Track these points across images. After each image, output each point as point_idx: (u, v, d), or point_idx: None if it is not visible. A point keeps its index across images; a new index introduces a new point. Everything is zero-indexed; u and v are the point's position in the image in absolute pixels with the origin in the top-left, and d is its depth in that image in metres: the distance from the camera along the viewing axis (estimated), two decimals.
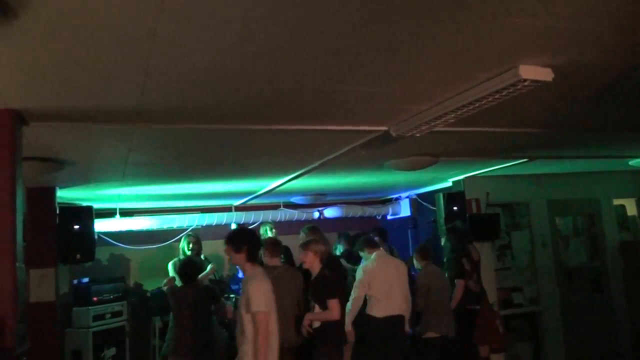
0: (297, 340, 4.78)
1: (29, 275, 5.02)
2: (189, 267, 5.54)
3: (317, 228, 5.51)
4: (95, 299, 7.21)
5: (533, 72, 2.59)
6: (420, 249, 5.98)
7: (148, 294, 8.28)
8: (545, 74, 2.62)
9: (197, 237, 7.32)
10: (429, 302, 5.47)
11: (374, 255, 5.32)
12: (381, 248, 5.61)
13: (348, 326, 4.94)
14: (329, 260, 4.82)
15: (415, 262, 5.92)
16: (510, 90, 2.75)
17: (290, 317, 4.76)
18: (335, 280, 4.67)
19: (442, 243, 6.26)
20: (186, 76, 2.44)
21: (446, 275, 5.93)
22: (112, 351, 7.34)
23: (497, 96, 2.84)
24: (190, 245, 7.12)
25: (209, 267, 6.85)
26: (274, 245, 5.12)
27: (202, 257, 7.18)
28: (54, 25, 1.87)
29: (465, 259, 5.98)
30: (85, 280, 7.41)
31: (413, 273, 7.36)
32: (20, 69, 2.28)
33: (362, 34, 2.11)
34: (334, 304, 4.51)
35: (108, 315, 7.36)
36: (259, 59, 2.30)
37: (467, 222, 6.64)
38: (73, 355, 6.94)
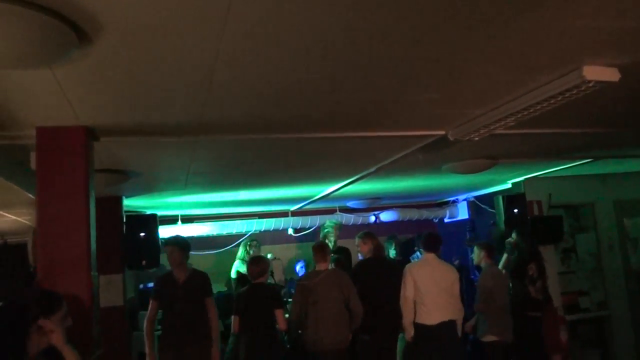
0: (339, 343, 4.84)
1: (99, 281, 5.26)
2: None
3: (372, 234, 5.53)
4: None
5: (598, 72, 2.50)
6: (487, 245, 5.77)
7: None
8: (611, 74, 2.54)
9: (258, 242, 7.51)
10: (491, 305, 5.35)
11: (422, 256, 5.30)
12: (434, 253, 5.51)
13: (407, 327, 4.97)
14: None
15: (477, 258, 5.76)
16: (574, 92, 2.67)
17: (332, 320, 4.82)
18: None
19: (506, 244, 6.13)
20: (247, 91, 2.52)
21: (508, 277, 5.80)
22: None
23: (559, 98, 2.77)
24: (252, 251, 7.26)
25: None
26: (320, 249, 5.18)
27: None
28: (124, 48, 1.97)
29: (534, 263, 5.81)
30: (151, 285, 7.68)
31: (473, 277, 7.25)
32: (92, 89, 2.41)
33: (425, 44, 2.11)
34: None
35: None
36: (320, 73, 2.34)
37: (528, 224, 6.47)
38: (139, 358, 7.20)
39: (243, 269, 6.89)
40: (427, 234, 5.58)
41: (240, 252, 7.44)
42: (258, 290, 5.08)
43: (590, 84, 2.56)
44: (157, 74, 2.21)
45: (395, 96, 2.83)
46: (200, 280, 4.87)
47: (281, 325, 5.01)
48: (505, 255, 6.17)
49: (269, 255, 7.28)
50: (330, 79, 2.47)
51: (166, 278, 4.90)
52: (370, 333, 5.05)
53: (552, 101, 2.82)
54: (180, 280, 4.79)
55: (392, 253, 7.04)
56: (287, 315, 5.28)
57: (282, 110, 2.93)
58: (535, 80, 2.67)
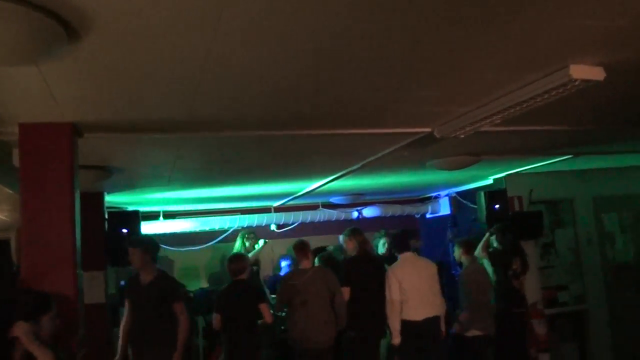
0: (326, 341, 4.86)
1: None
2: None
3: (358, 230, 5.53)
4: None
5: (584, 71, 2.54)
6: (466, 242, 5.83)
7: (191, 295, 8.44)
8: (596, 73, 2.57)
9: (254, 234, 7.65)
10: (473, 300, 5.42)
11: (400, 258, 5.32)
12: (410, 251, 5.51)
13: (395, 332, 4.99)
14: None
15: (457, 255, 5.82)
16: (560, 90, 2.71)
17: (322, 319, 4.84)
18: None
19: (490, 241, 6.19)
20: (238, 89, 2.50)
21: (490, 273, 5.86)
22: None
23: (546, 96, 2.80)
24: (249, 243, 7.43)
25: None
26: (301, 247, 5.18)
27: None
28: (113, 46, 1.94)
29: (518, 258, 5.87)
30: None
31: (454, 272, 7.32)
32: (79, 85, 2.37)
33: (416, 42, 2.12)
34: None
35: None
36: (309, 72, 2.34)
37: (509, 220, 6.55)
38: None
39: None
40: (395, 236, 5.58)
41: (238, 244, 7.49)
42: (239, 287, 5.07)
43: (577, 83, 2.60)
44: (146, 72, 2.18)
45: (384, 94, 2.84)
46: (165, 284, 4.61)
47: (267, 318, 5.01)
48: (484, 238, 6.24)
49: (260, 242, 7.38)
50: (320, 78, 2.47)
51: (134, 279, 4.73)
52: (356, 329, 5.07)
53: (538, 99, 2.85)
54: (145, 282, 4.58)
55: (380, 249, 7.07)
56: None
57: (269, 108, 2.91)
58: (523, 78, 2.70)
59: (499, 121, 3.29)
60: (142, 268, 4.59)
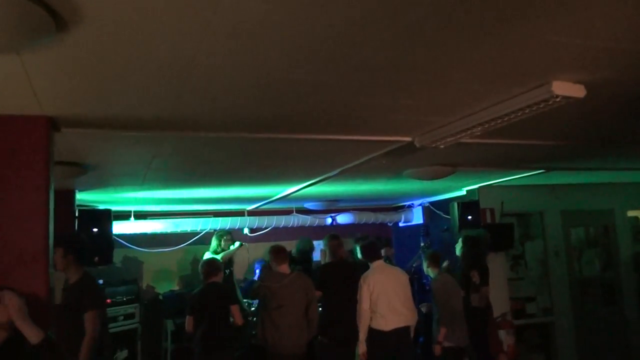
0: (299, 347, 4.85)
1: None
2: None
3: (337, 236, 5.55)
4: (108, 301, 7.26)
5: (566, 88, 2.60)
6: (432, 255, 5.84)
7: (160, 297, 8.32)
8: (577, 91, 2.63)
9: (231, 235, 7.65)
10: (445, 311, 5.46)
11: (371, 266, 5.33)
12: (381, 259, 5.54)
13: (362, 342, 4.99)
14: None
15: (425, 267, 5.87)
16: (541, 106, 2.76)
17: (296, 325, 4.83)
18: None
19: (457, 252, 6.23)
20: (223, 89, 2.47)
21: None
22: (125, 353, 7.38)
23: (527, 111, 2.85)
24: (223, 244, 7.41)
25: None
26: (278, 251, 5.14)
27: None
28: (101, 39, 1.89)
29: (476, 271, 5.88)
30: (99, 282, 7.44)
31: (425, 281, 7.38)
32: (61, 78, 2.30)
33: (397, 50, 2.13)
34: None
35: (121, 318, 7.41)
36: (296, 74, 2.33)
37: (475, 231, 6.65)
38: None
39: None
40: (364, 246, 5.57)
41: (213, 244, 7.44)
42: (212, 289, 5.06)
43: (558, 99, 2.66)
44: (134, 66, 2.14)
45: (367, 100, 2.84)
46: (80, 289, 4.10)
47: (237, 320, 4.99)
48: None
49: (236, 244, 7.40)
50: (306, 83, 2.46)
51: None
52: (329, 336, 5.06)
53: (519, 113, 2.90)
54: (68, 285, 4.20)
55: (359, 254, 7.06)
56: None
57: (252, 110, 2.88)
58: (506, 92, 2.74)
59: (479, 133, 3.33)
60: (65, 269, 4.16)
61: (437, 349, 5.39)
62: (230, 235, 7.67)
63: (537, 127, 3.63)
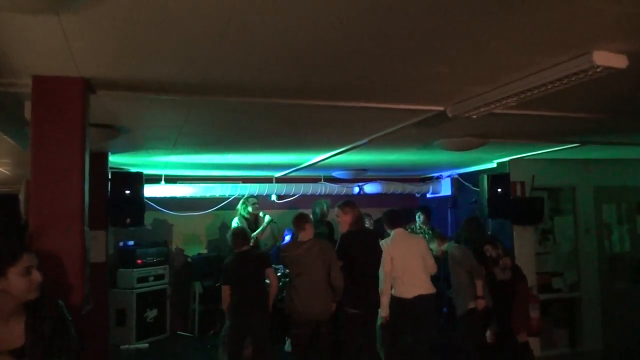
0: (322, 314, 4.93)
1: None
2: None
3: (352, 203, 5.45)
4: (139, 261, 7.50)
5: (607, 58, 2.52)
6: (440, 234, 6.06)
7: (189, 260, 8.52)
8: (619, 61, 2.56)
9: (257, 200, 7.79)
10: (464, 278, 5.40)
11: (392, 234, 5.37)
12: (402, 227, 5.54)
13: (384, 306, 5.05)
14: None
15: (437, 248, 5.84)
16: (581, 76, 2.69)
17: (317, 292, 4.90)
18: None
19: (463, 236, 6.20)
20: (257, 52, 2.46)
21: None
22: (154, 312, 7.63)
23: (565, 81, 2.78)
24: (250, 208, 7.57)
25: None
26: (300, 219, 5.18)
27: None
28: (137, 2, 1.90)
29: (489, 245, 5.72)
30: (131, 243, 7.66)
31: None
32: (98, 39, 2.33)
33: (441, 16, 2.09)
34: None
35: (151, 278, 7.64)
36: (335, 39, 2.30)
37: (510, 204, 6.58)
38: (117, 314, 7.24)
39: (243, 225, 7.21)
40: (387, 212, 5.66)
41: (243, 210, 7.56)
42: (244, 256, 5.19)
43: (598, 69, 2.58)
44: (169, 28, 2.15)
45: (402, 68, 2.80)
46: None
47: (273, 281, 5.22)
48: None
49: (266, 217, 7.49)
50: (342, 48, 2.44)
51: None
52: (356, 306, 5.06)
53: (557, 84, 2.83)
54: None
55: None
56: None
57: (286, 75, 2.88)
58: (544, 61, 2.67)
59: (513, 104, 3.26)
60: None
61: (481, 304, 5.27)
62: (256, 199, 7.82)
63: (574, 99, 3.54)
